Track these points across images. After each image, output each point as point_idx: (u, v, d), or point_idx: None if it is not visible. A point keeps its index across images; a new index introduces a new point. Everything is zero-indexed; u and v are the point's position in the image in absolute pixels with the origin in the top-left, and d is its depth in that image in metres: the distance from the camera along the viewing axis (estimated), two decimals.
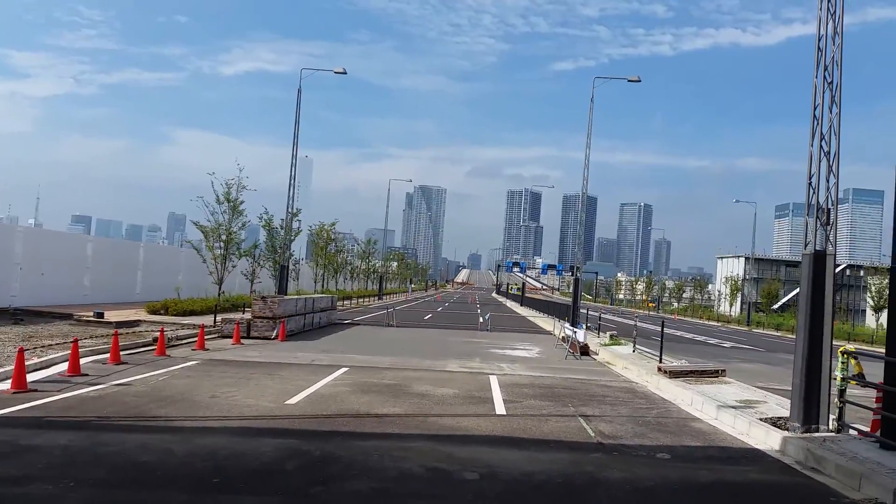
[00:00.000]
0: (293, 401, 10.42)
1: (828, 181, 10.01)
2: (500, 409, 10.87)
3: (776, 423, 10.04)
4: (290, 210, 29.44)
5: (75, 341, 12.09)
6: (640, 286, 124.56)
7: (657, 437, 9.52)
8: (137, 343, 15.80)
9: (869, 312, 66.95)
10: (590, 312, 34.51)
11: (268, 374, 13.02)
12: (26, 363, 10.50)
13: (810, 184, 10.07)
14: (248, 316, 21.16)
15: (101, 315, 20.60)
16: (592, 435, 9.33)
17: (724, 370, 15.45)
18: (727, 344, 34.03)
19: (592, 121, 30.24)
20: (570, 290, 37.19)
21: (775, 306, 77.44)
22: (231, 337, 18.37)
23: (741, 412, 10.87)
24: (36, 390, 9.95)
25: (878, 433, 8.92)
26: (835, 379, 9.58)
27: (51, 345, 14.46)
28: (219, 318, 21.56)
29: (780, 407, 11.50)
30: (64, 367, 11.84)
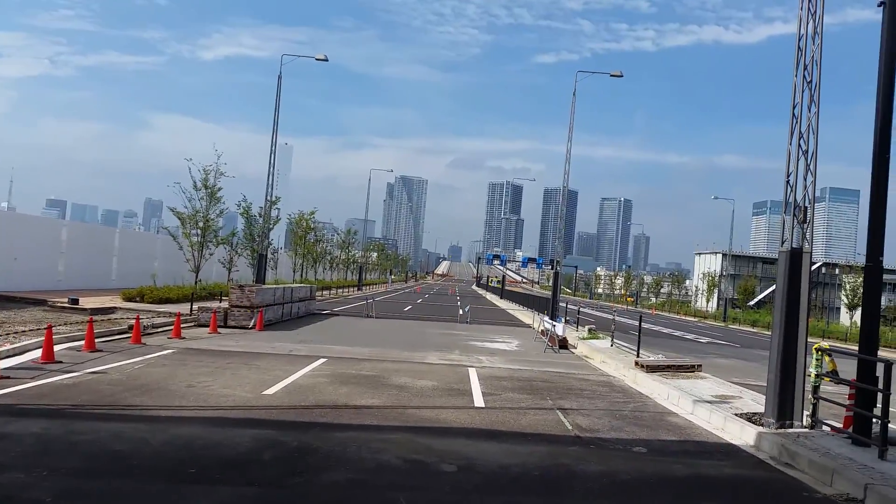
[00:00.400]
0: (271, 391, 10.35)
1: (805, 180, 10.10)
2: (478, 401, 10.88)
3: (751, 418, 10.16)
4: (268, 198, 29.19)
5: (49, 328, 11.90)
6: (619, 281, 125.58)
7: (634, 430, 9.60)
8: (113, 330, 15.60)
9: (843, 310, 68.09)
10: (569, 306, 34.69)
11: (245, 363, 12.91)
12: None
13: (788, 182, 10.16)
14: (225, 305, 20.98)
15: (75, 301, 20.31)
16: (570, 428, 9.38)
17: (700, 365, 15.61)
18: (704, 339, 34.41)
19: (575, 115, 30.32)
20: (550, 283, 37.35)
21: (751, 303, 78.47)
22: (208, 326, 18.21)
23: (717, 407, 10.99)
24: (8, 377, 9.77)
25: (850, 429, 9.06)
26: (809, 376, 9.72)
27: (24, 331, 14.23)
28: (195, 306, 21.35)
29: (755, 402, 11.64)
30: (37, 354, 11.65)
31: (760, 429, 9.47)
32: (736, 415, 10.39)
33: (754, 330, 52.37)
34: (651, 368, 14.83)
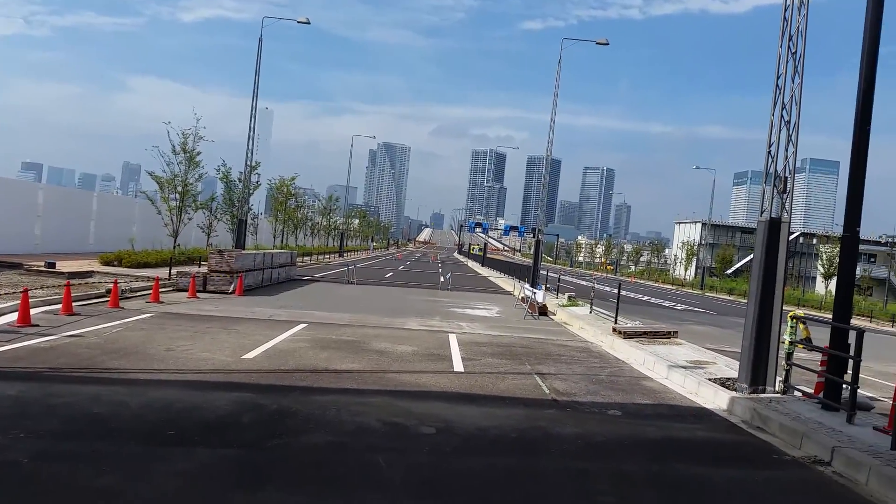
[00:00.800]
0: (250, 355, 10.36)
1: (786, 150, 10.16)
2: (458, 366, 10.98)
3: (725, 383, 10.35)
4: (248, 163, 28.88)
5: (25, 291, 11.76)
6: (600, 249, 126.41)
7: (609, 394, 9.75)
8: (90, 294, 15.46)
9: (819, 279, 69.20)
10: (549, 274, 34.90)
11: (224, 328, 12.89)
12: None
13: (769, 152, 10.22)
14: (204, 270, 20.84)
15: (52, 265, 20.07)
16: (547, 392, 9.50)
17: (676, 332, 15.83)
18: (680, 307, 34.86)
19: (560, 83, 30.13)
20: (532, 251, 37.50)
21: (729, 271, 79.40)
22: (186, 290, 18.10)
23: (691, 372, 11.19)
24: None
25: (821, 395, 9.28)
26: (783, 343, 9.90)
27: None
28: (174, 270, 21.20)
29: (729, 368, 11.86)
30: (13, 317, 11.53)
31: (734, 393, 9.66)
32: (710, 380, 10.59)
33: (731, 298, 53.11)
34: (628, 335, 15.02)
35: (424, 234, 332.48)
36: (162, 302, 15.93)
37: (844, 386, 8.73)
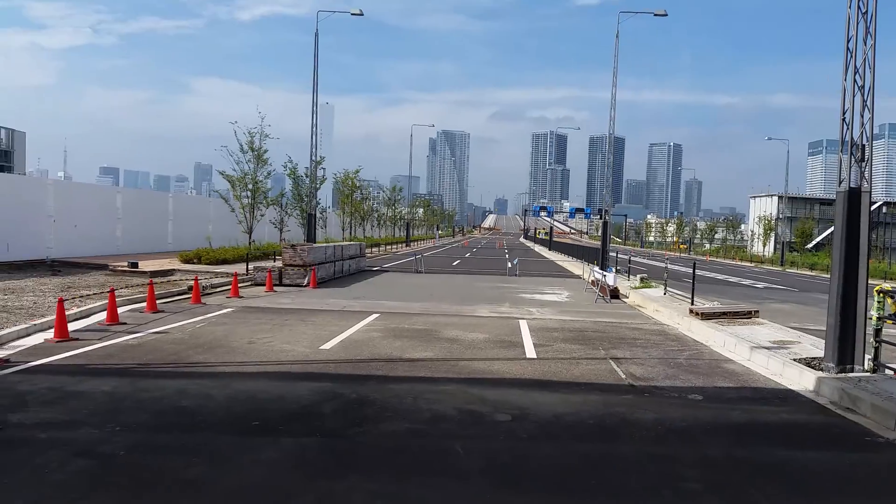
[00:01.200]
0: (327, 346, 10.60)
1: (862, 116, 9.65)
2: (530, 352, 10.94)
3: (810, 363, 9.97)
4: (314, 158, 29.43)
5: (112, 291, 12.36)
6: (671, 228, 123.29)
7: (689, 378, 9.53)
8: (173, 292, 16.11)
9: None
10: (619, 255, 34.29)
11: (301, 320, 13.22)
12: (66, 312, 10.76)
13: (844, 119, 9.73)
14: (278, 264, 21.41)
15: (135, 265, 21.00)
16: (623, 377, 9.37)
17: (757, 311, 15.32)
18: (760, 285, 33.71)
19: (619, 58, 29.45)
20: (599, 233, 36.91)
21: (809, 245, 76.23)
22: (264, 284, 18.65)
23: (774, 353, 10.81)
24: (77, 339, 10.23)
25: None
26: (870, 318, 9.45)
27: (89, 294, 14.80)
28: (250, 266, 21.86)
29: (815, 347, 11.41)
30: (102, 316, 12.14)
31: (820, 374, 9.29)
32: (794, 360, 10.21)
33: (813, 273, 51.00)
34: (706, 316, 14.62)
35: (489, 221, 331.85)
36: (241, 296, 16.45)
37: None
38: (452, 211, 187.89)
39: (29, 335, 10.38)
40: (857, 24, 9.55)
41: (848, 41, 9.64)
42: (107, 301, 12.31)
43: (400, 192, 69.01)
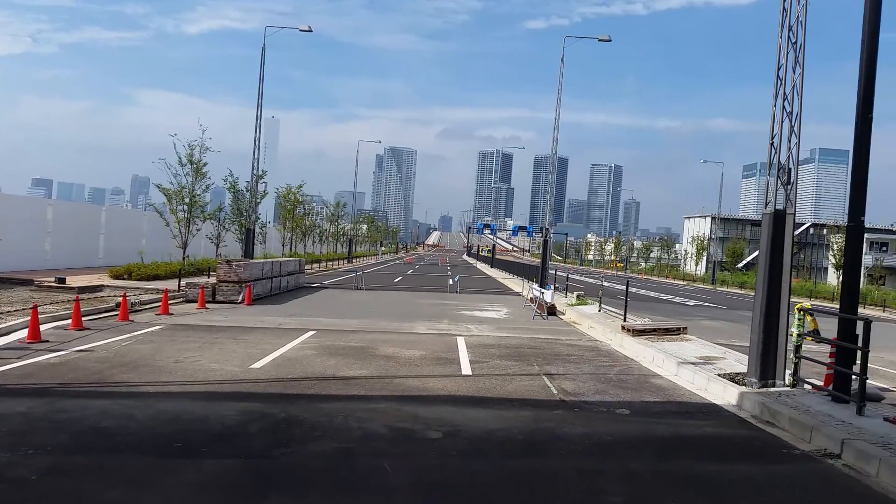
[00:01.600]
0: (258, 365, 10.39)
1: (789, 141, 10.12)
2: (465, 369, 10.97)
3: (734, 378, 10.30)
4: (255, 172, 29.02)
5: (34, 307, 11.86)
6: (609, 247, 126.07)
7: (618, 393, 9.72)
8: (100, 308, 15.57)
9: (831, 270, 68.79)
10: (558, 273, 34.83)
11: (233, 338, 12.95)
12: None
13: (773, 144, 10.18)
14: (213, 280, 20.94)
15: (62, 280, 20.22)
16: (555, 393, 9.49)
17: (685, 328, 15.77)
18: (691, 302, 34.69)
19: (563, 81, 30.12)
20: (540, 251, 37.42)
21: (740, 265, 78.93)
22: (196, 301, 18.20)
23: (700, 368, 11.13)
24: None
25: (830, 387, 9.21)
26: (791, 335, 9.83)
27: (10, 311, 14.18)
28: (183, 282, 21.31)
29: (739, 363, 11.79)
30: (24, 333, 11.62)
31: (743, 388, 9.61)
32: (719, 375, 10.53)
33: (742, 292, 52.81)
34: (637, 332, 14.97)
35: (433, 238, 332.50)
36: (171, 314, 16.01)
37: (854, 377, 8.66)
38: (397, 227, 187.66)
39: None
40: (787, 53, 10.03)
41: (778, 69, 10.10)
42: (29, 318, 11.80)
43: (344, 207, 68.56)
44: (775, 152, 10.19)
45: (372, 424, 7.30)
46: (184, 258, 24.82)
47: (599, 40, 30.53)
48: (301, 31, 29.92)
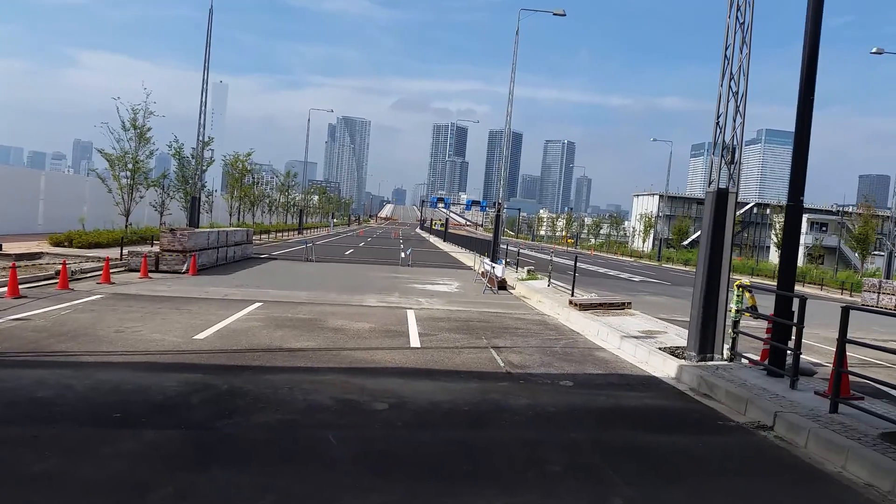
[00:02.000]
0: (202, 336, 10.22)
1: (734, 121, 10.31)
2: (414, 342, 11.01)
3: (674, 352, 10.59)
4: (201, 138, 28.28)
5: None
6: (561, 223, 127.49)
7: (562, 366, 9.90)
8: (38, 276, 15.06)
9: (773, 249, 70.98)
10: (510, 248, 35.10)
11: (176, 308, 12.69)
12: None
13: (718, 123, 10.36)
14: (156, 249, 20.44)
15: None
16: (502, 365, 9.60)
17: (630, 303, 16.11)
18: (637, 278, 35.43)
19: (519, 55, 30.03)
20: (493, 226, 37.60)
21: (685, 242, 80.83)
22: (138, 271, 17.75)
23: (642, 342, 11.41)
24: None
25: (766, 362, 9.55)
26: (730, 311, 10.14)
27: None
28: (126, 250, 20.73)
29: (679, 337, 12.12)
30: None
31: (682, 362, 9.89)
32: (660, 349, 10.81)
33: (686, 268, 54.15)
34: (584, 307, 15.23)
35: (386, 210, 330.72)
36: (113, 283, 15.59)
37: (788, 352, 8.99)
38: (350, 199, 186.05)
39: None
40: (735, 33, 10.18)
41: (726, 49, 10.25)
42: None
43: (295, 177, 67.55)
44: (720, 132, 10.38)
45: (317, 396, 7.28)
46: (126, 226, 24.14)
47: (554, 14, 30.47)
48: None
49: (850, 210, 64.02)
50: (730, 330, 10.18)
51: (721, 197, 10.25)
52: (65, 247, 22.64)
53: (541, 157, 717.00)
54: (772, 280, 42.50)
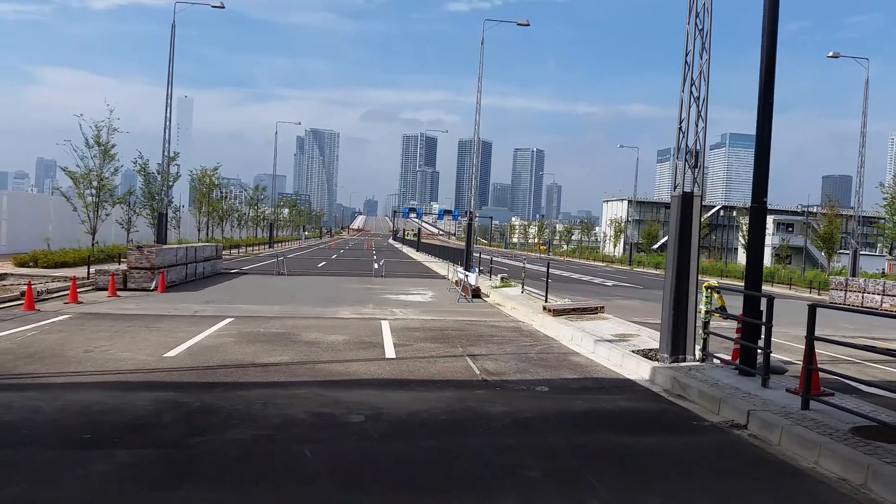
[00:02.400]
0: (172, 353, 10.07)
1: (696, 126, 10.48)
2: (389, 352, 10.97)
3: (647, 354, 10.69)
4: (166, 154, 27.93)
5: None
6: (533, 230, 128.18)
7: (538, 371, 9.94)
8: (3, 298, 14.73)
9: (741, 250, 72.15)
10: (483, 256, 35.15)
11: (146, 326, 12.49)
12: None
13: (680, 128, 10.53)
14: (124, 267, 20.13)
15: None
16: (478, 373, 9.61)
17: (603, 307, 16.24)
18: (609, 283, 35.73)
19: (485, 65, 30.22)
20: (465, 234, 37.64)
21: (655, 246, 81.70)
22: (106, 289, 17.45)
23: (616, 345, 11.50)
24: None
25: (737, 361, 9.68)
26: (700, 312, 10.27)
27: None
28: (93, 269, 20.39)
29: (652, 339, 12.24)
30: None
31: (655, 364, 9.98)
32: (633, 351, 10.91)
33: (657, 272, 54.73)
34: (557, 312, 15.31)
35: (358, 222, 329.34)
36: (80, 302, 15.31)
37: (759, 351, 9.13)
38: (321, 212, 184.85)
39: None
40: (695, 39, 10.36)
41: (686, 55, 10.42)
42: None
43: (264, 191, 67.04)
44: (683, 136, 10.55)
45: (292, 410, 7.21)
46: (93, 244, 23.73)
47: (518, 24, 30.80)
48: (213, 7, 28.88)
49: (815, 210, 65.31)
50: (700, 331, 10.30)
51: (687, 200, 10.40)
52: (30, 267, 22.19)
53: (511, 166, 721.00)
54: (740, 281, 43.03)
